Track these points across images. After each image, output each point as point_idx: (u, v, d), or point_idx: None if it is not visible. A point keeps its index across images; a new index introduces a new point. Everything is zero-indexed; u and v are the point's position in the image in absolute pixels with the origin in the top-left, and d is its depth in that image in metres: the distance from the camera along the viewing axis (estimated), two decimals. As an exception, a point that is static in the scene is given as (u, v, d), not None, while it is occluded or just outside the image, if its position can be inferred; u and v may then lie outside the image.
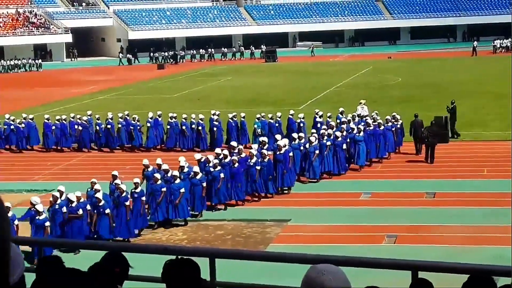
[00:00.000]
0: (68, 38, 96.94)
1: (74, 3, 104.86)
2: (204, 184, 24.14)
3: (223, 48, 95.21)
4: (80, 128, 35.86)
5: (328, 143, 28.56)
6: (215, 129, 35.08)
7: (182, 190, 23.18)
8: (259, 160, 25.86)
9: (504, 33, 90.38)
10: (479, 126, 35.58)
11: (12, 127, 36.55)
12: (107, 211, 21.54)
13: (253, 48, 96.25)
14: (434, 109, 37.24)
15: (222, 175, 24.57)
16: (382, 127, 31.17)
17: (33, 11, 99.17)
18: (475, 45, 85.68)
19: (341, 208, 24.84)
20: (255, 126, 34.13)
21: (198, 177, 24.16)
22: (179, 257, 4.82)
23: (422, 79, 60.91)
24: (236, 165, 25.17)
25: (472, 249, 19.94)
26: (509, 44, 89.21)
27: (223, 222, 23.65)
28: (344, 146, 28.91)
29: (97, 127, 36.03)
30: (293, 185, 27.09)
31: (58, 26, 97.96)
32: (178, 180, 23.47)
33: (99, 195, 21.79)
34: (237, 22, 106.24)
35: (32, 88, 66.08)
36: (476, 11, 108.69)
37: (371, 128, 30.80)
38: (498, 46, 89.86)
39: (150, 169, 25.15)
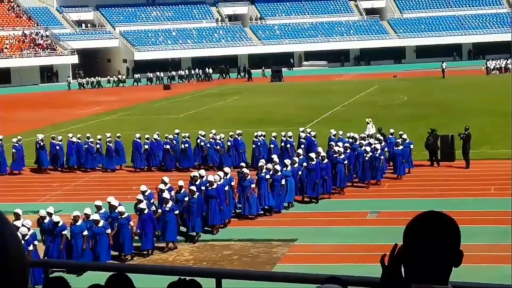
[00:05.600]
0: (74, 59, 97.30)
1: (81, 25, 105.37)
2: (109, 231, 21.65)
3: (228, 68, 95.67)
4: (186, 145, 35.15)
5: (267, 176, 26.87)
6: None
7: (85, 233, 21.26)
8: (188, 198, 23.99)
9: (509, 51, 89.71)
10: (486, 145, 35.49)
11: (97, 146, 35.89)
12: (30, 247, 19.46)
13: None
14: (440, 128, 37.15)
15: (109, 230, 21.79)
16: (325, 161, 28.73)
17: (40, 32, 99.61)
18: (444, 67, 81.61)
19: (348, 227, 24.77)
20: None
21: (100, 224, 21.51)
22: (182, 277, 4.80)
23: (428, 97, 60.94)
24: (146, 211, 22.52)
25: (480, 268, 19.83)
26: (502, 65, 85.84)
27: (230, 242, 23.61)
28: (283, 182, 27.04)
29: (183, 146, 35.26)
30: (223, 223, 25.08)
31: (64, 48, 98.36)
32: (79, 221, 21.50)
33: (23, 231, 19.77)
34: (242, 42, 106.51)
35: (38, 109, 66.17)
36: (481, 29, 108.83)
37: (314, 162, 28.35)
38: (492, 67, 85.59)
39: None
